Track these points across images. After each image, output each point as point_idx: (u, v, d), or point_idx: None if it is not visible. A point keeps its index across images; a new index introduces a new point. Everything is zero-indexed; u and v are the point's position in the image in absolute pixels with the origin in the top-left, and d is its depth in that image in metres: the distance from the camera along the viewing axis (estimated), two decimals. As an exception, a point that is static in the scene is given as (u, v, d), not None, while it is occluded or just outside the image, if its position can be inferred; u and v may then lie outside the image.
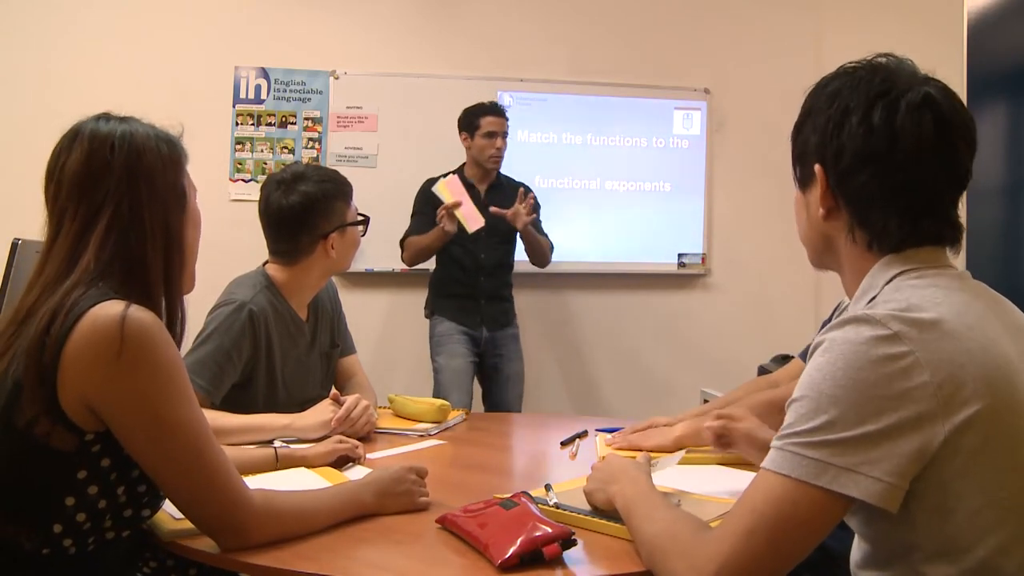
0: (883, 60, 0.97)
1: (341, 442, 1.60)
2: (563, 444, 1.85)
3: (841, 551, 1.01)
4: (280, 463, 1.50)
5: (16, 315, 1.06)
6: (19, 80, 3.53)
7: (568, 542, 1.10)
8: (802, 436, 0.85)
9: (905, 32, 3.26)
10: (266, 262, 1.95)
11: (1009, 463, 0.84)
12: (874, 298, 0.92)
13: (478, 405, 3.30)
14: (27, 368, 1.00)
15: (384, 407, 2.13)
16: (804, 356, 1.86)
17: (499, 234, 3.19)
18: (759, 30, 4.06)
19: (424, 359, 3.29)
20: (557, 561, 1.09)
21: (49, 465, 1.02)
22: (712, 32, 4.05)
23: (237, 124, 3.73)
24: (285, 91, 3.76)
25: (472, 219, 3.04)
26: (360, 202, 2.00)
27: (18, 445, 1.02)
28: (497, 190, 3.27)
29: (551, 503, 1.27)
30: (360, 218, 1.98)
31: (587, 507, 1.26)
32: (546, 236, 3.32)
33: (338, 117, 3.77)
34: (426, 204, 3.16)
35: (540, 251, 3.27)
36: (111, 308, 1.02)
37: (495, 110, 3.23)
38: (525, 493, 1.25)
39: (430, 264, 3.31)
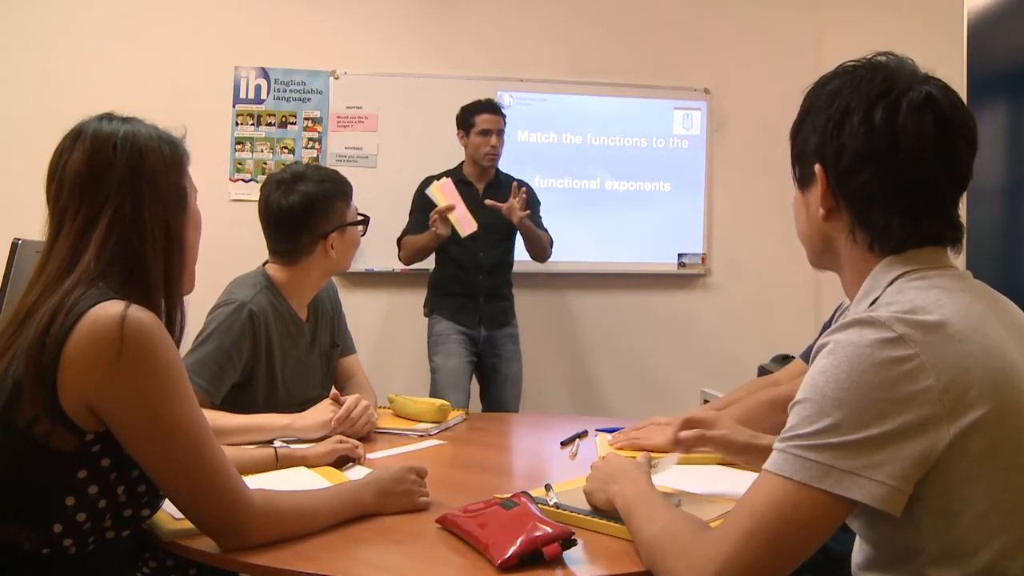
0: (883, 59, 0.96)
1: (341, 442, 1.60)
2: (563, 444, 1.85)
3: (843, 552, 1.00)
4: (280, 463, 1.50)
5: (16, 314, 1.06)
6: (19, 80, 3.53)
7: (568, 542, 1.10)
8: (805, 439, 0.84)
9: (905, 32, 3.26)
10: (266, 262, 1.95)
11: (1014, 466, 0.84)
12: (876, 300, 0.92)
13: (475, 405, 3.30)
14: (27, 368, 1.00)
15: (384, 407, 2.13)
16: (805, 356, 1.86)
17: (498, 232, 3.18)
18: (759, 30, 4.06)
19: (424, 359, 3.29)
20: (557, 561, 1.09)
21: (49, 465, 1.02)
22: (712, 32, 4.05)
23: (237, 124, 3.73)
24: (285, 91, 3.76)
25: (465, 223, 3.03)
26: (360, 202, 2.00)
27: (18, 445, 1.02)
28: (496, 188, 3.26)
29: (551, 503, 1.27)
30: (360, 218, 1.98)
31: (587, 507, 1.26)
32: (545, 231, 3.32)
33: (338, 117, 3.77)
34: (424, 203, 3.16)
35: (539, 246, 3.26)
36: (111, 308, 1.02)
37: (490, 107, 3.22)
38: (525, 493, 1.25)
39: (430, 263, 3.31)
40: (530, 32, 3.92)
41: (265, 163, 3.75)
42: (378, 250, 3.41)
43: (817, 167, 0.97)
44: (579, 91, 3.94)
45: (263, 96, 3.74)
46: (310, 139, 3.78)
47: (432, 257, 3.27)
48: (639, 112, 3.99)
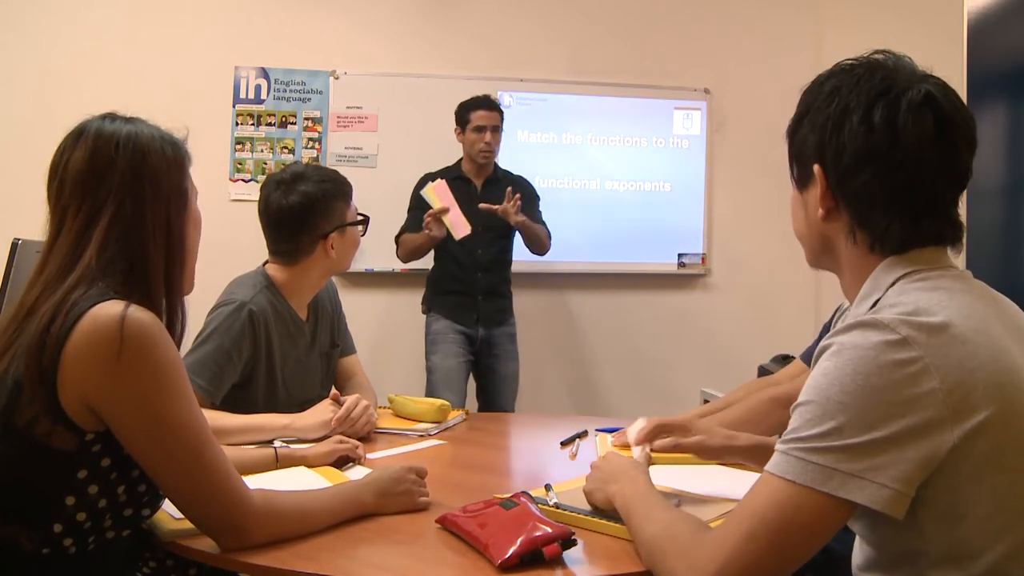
0: (880, 57, 0.96)
1: (341, 442, 1.60)
2: (563, 444, 1.85)
3: (844, 552, 1.00)
4: (280, 463, 1.50)
5: (18, 312, 1.06)
6: (19, 80, 3.53)
7: (568, 542, 1.10)
8: (808, 441, 0.84)
9: (905, 32, 3.25)
10: (266, 262, 1.95)
11: (1018, 468, 0.83)
12: (877, 301, 0.91)
13: (472, 404, 3.30)
14: (27, 368, 1.00)
15: (384, 407, 2.13)
16: (805, 357, 1.86)
17: (495, 230, 3.17)
18: (759, 30, 4.06)
19: (424, 359, 3.29)
20: (557, 561, 1.09)
21: (49, 465, 1.02)
22: (712, 32, 4.05)
23: (237, 124, 3.73)
24: (285, 91, 3.76)
25: (459, 226, 3.02)
26: (360, 202, 1.99)
27: (18, 445, 1.02)
28: (494, 185, 3.25)
29: (551, 503, 1.27)
30: (360, 218, 1.98)
31: (587, 507, 1.26)
32: (543, 224, 3.30)
33: (338, 117, 3.77)
34: (421, 201, 3.14)
35: (537, 241, 3.25)
36: (111, 308, 1.02)
37: (485, 104, 3.22)
38: (525, 493, 1.25)
39: (429, 262, 3.31)
40: (530, 32, 3.92)
41: (265, 163, 3.75)
42: (378, 250, 3.41)
43: (816, 167, 0.96)
44: (579, 91, 3.94)
45: (263, 96, 3.74)
46: (310, 139, 3.78)
47: (431, 255, 3.27)
48: (639, 112, 3.99)
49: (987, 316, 0.89)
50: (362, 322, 2.98)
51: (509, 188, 3.09)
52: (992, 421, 0.81)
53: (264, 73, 3.74)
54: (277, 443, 1.62)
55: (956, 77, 2.37)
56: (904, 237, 0.93)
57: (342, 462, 1.57)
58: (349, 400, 1.81)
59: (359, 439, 1.72)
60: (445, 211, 3.00)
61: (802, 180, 1.01)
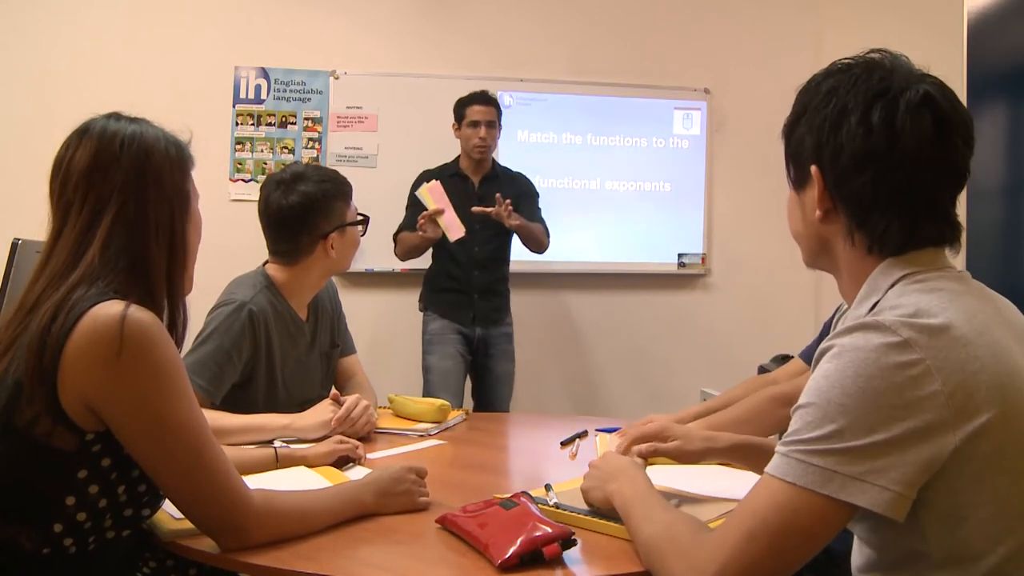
0: (877, 56, 0.95)
1: (341, 442, 1.60)
2: (563, 444, 1.85)
3: (844, 552, 1.00)
4: (280, 463, 1.50)
5: (21, 308, 1.07)
6: (19, 80, 3.53)
7: (568, 542, 1.10)
8: (809, 444, 0.84)
9: (905, 32, 3.25)
10: (266, 262, 1.95)
11: (1020, 470, 0.83)
12: (877, 303, 0.91)
13: (467, 403, 3.29)
14: (28, 368, 1.00)
15: (384, 407, 2.13)
16: (804, 355, 1.86)
17: (493, 227, 3.13)
18: (759, 30, 4.06)
19: (424, 360, 3.29)
20: (557, 561, 1.09)
21: (50, 465, 1.02)
22: (712, 32, 4.05)
23: (237, 124, 3.73)
24: (285, 91, 3.76)
25: (453, 228, 3.01)
26: (360, 202, 2.00)
27: (18, 445, 1.02)
28: (492, 181, 3.24)
29: (551, 503, 1.27)
30: (360, 218, 1.98)
31: (587, 507, 1.26)
32: (542, 222, 3.28)
33: (338, 117, 3.77)
34: (418, 199, 3.14)
35: (535, 241, 3.23)
36: (111, 308, 1.02)
37: (481, 99, 3.21)
38: (525, 493, 1.25)
39: (428, 260, 3.30)
40: (530, 32, 3.92)
41: (265, 163, 3.75)
42: (378, 250, 3.40)
43: (814, 168, 0.95)
44: (579, 91, 3.94)
45: (263, 96, 3.74)
46: (310, 139, 3.78)
47: (429, 252, 3.26)
48: (639, 112, 3.99)
49: (988, 317, 0.88)
50: (362, 322, 2.98)
51: (499, 195, 3.04)
52: (994, 423, 0.81)
53: (264, 73, 3.74)
54: (277, 443, 1.62)
55: (956, 77, 2.37)
56: (903, 238, 0.92)
57: (342, 462, 1.57)
58: (349, 400, 1.82)
59: (359, 439, 1.72)
60: (440, 212, 2.99)
61: (799, 181, 1.00)
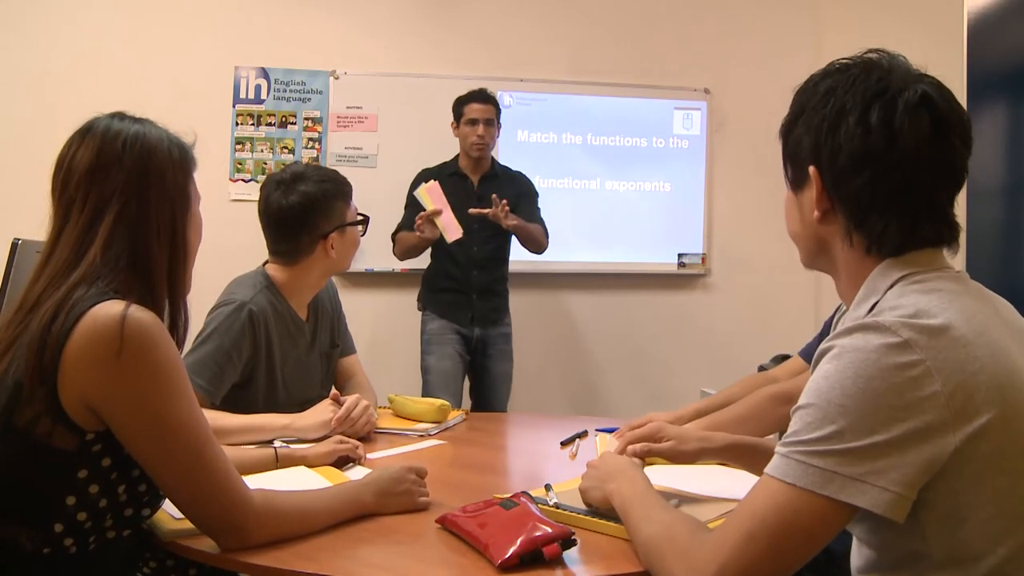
0: (875, 56, 0.95)
1: (341, 442, 1.60)
2: (563, 444, 1.85)
3: (844, 552, 1.00)
4: (280, 463, 1.50)
5: (22, 306, 1.07)
6: (19, 80, 3.53)
7: (568, 542, 1.10)
8: (809, 445, 0.84)
9: (905, 32, 3.26)
10: (266, 262, 1.96)
11: (1020, 471, 0.83)
12: (876, 304, 0.91)
13: (464, 403, 3.29)
14: (28, 367, 1.01)
15: (384, 407, 2.13)
16: (804, 353, 1.86)
17: (492, 227, 3.12)
18: (759, 30, 4.06)
19: (424, 360, 3.29)
20: (557, 561, 1.09)
21: (50, 464, 1.02)
22: (712, 32, 4.05)
23: (237, 124, 3.73)
24: (285, 91, 3.76)
25: (451, 229, 3.00)
26: (360, 202, 2.00)
27: (19, 445, 1.02)
28: (491, 181, 3.23)
29: (551, 503, 1.28)
30: (360, 218, 1.98)
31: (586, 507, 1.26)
32: (541, 221, 3.27)
33: (338, 117, 3.77)
34: (417, 199, 3.13)
35: (533, 242, 3.22)
36: (111, 308, 1.02)
37: (479, 97, 3.20)
38: (525, 493, 1.25)
39: (427, 260, 3.30)
40: (530, 32, 3.92)
41: (265, 163, 3.75)
42: (378, 250, 3.40)
43: (812, 169, 0.95)
44: (579, 91, 3.94)
45: (263, 96, 3.74)
46: (310, 139, 3.78)
47: (428, 252, 3.26)
48: (639, 112, 3.99)
49: (986, 318, 0.88)
50: (361, 322, 2.98)
51: (495, 195, 3.03)
52: (994, 424, 0.81)
53: (264, 73, 3.74)
54: (277, 443, 1.62)
55: (956, 77, 2.37)
56: (902, 239, 0.92)
57: (342, 462, 1.57)
58: (349, 400, 1.82)
59: (359, 439, 1.72)
60: (438, 213, 2.99)
61: (797, 181, 1.00)
